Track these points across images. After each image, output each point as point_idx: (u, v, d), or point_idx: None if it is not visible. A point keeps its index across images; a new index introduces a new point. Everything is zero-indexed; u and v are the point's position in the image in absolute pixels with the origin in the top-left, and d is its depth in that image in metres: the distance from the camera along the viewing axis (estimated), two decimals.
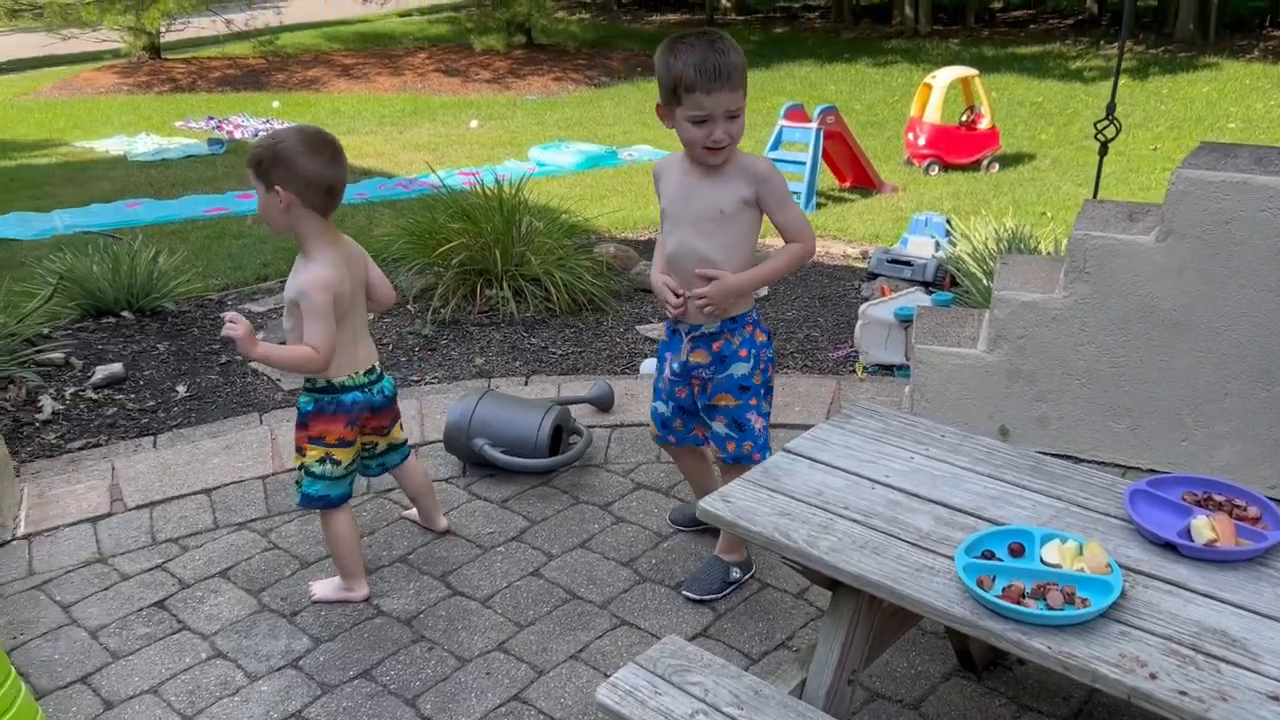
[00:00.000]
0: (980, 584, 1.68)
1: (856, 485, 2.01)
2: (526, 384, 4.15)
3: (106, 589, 2.81)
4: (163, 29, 15.65)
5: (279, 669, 2.48)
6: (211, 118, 11.96)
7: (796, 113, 8.35)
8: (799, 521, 1.90)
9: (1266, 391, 2.89)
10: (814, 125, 8.10)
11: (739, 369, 2.58)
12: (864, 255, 6.47)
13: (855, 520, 1.90)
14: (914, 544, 1.83)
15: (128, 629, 2.64)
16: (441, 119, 12.03)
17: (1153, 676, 1.50)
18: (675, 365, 2.66)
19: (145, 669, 2.49)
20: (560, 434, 3.35)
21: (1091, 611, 1.60)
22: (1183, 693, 1.47)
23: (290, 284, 2.51)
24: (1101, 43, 15.30)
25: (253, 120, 11.81)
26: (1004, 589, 1.67)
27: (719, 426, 2.64)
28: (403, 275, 5.27)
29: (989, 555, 1.76)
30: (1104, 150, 3.36)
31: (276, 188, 2.42)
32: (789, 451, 2.15)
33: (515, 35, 15.53)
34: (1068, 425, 3.20)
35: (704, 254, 2.49)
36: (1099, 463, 3.18)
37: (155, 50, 15.90)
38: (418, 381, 4.37)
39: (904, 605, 1.71)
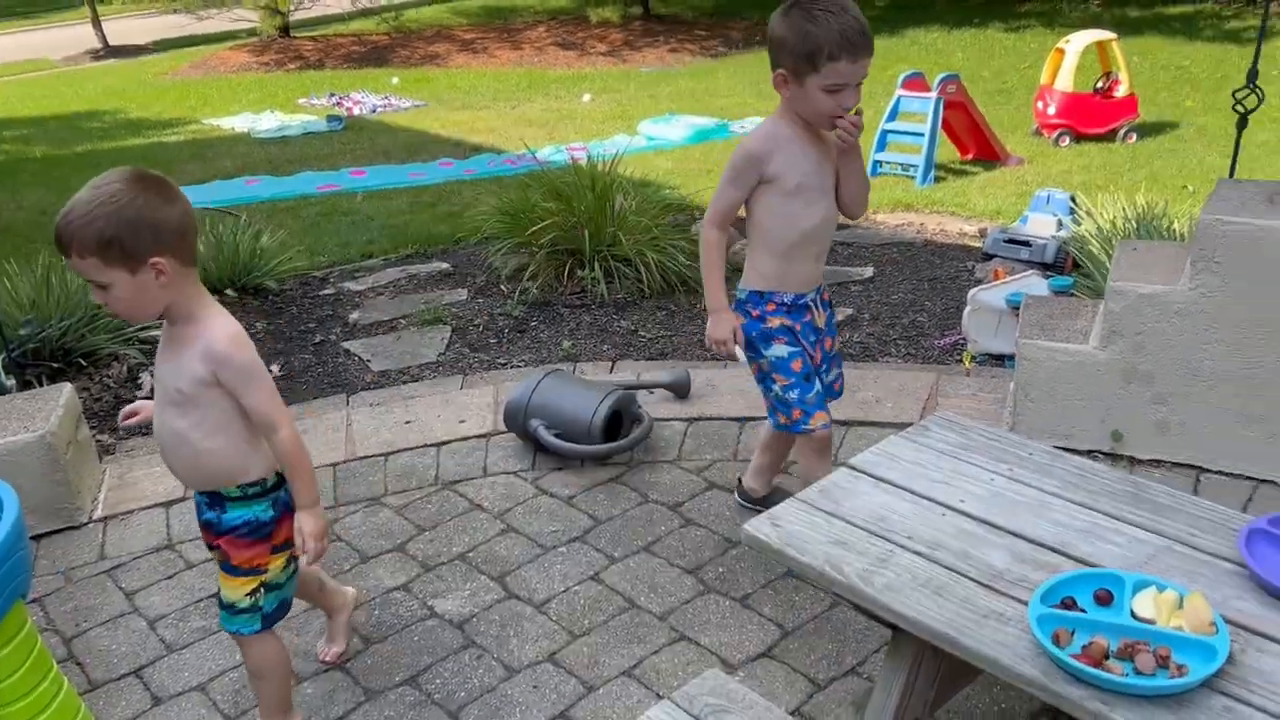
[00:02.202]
0: (1056, 639, 1.45)
1: (925, 510, 1.80)
2: (612, 369, 4.02)
3: (170, 577, 2.81)
4: (293, 7, 16.07)
5: (326, 671, 2.42)
6: (333, 94, 12.20)
7: (915, 81, 7.94)
8: (855, 552, 1.70)
9: None
10: (933, 94, 7.68)
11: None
12: (982, 234, 6.09)
13: (919, 553, 1.69)
14: (984, 584, 1.61)
15: (185, 620, 2.63)
16: (555, 93, 11.97)
17: None
18: (812, 336, 2.57)
19: (196, 664, 2.47)
20: (620, 420, 3.20)
21: (1188, 682, 1.36)
22: None
23: (188, 360, 1.91)
24: None
25: (371, 96, 11.99)
26: (1084, 646, 1.44)
27: (830, 375, 2.66)
28: (496, 255, 5.21)
29: (1070, 603, 1.52)
30: (1243, 122, 2.99)
31: (153, 260, 1.83)
32: (852, 468, 1.94)
33: (632, 6, 15.33)
34: (1190, 432, 2.86)
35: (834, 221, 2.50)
36: (1226, 474, 2.84)
37: (285, 29, 16.35)
38: (505, 365, 4.29)
39: (965, 658, 1.50)
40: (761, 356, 2.53)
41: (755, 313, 2.51)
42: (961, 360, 4.14)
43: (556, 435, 3.13)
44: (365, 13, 17.62)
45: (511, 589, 2.67)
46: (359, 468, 3.25)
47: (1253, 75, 2.90)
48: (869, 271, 5.36)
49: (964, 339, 4.25)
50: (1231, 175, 3.07)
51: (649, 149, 9.07)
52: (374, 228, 6.60)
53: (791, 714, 2.18)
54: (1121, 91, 8.62)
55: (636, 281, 4.93)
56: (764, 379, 2.57)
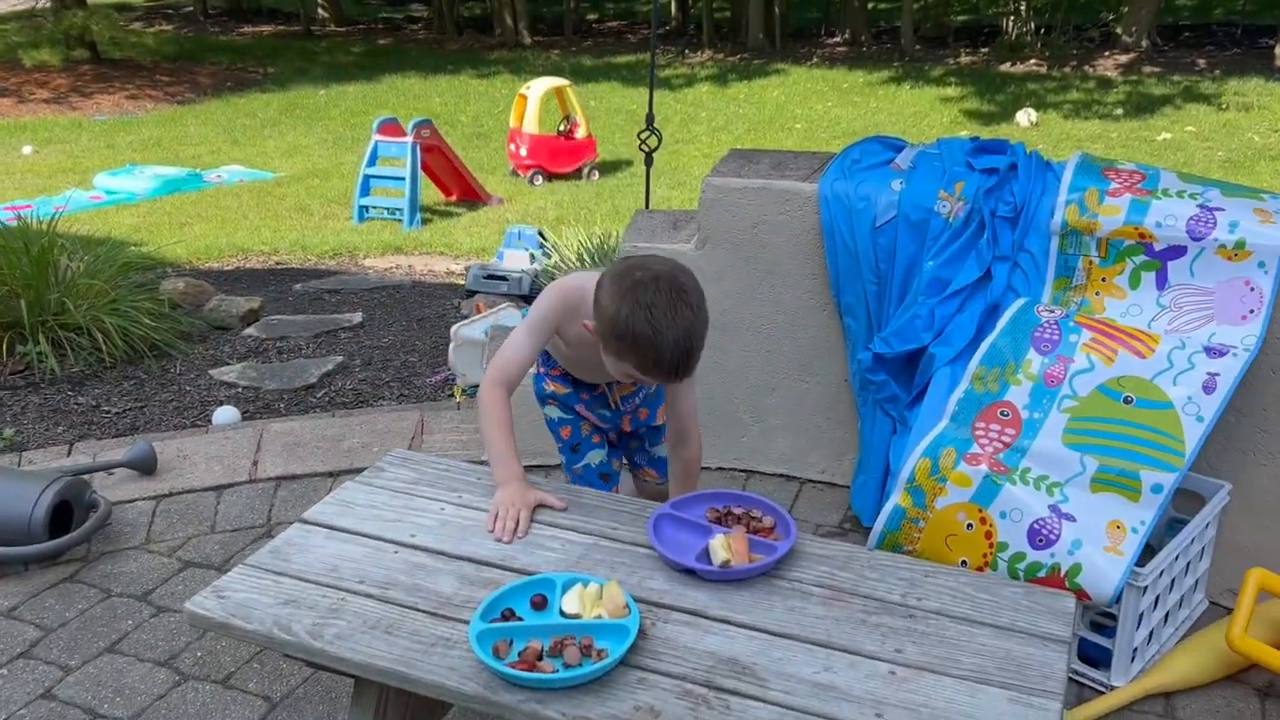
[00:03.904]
0: (496, 651, 1.53)
1: (378, 552, 1.80)
2: (69, 453, 3.56)
3: None
4: None
5: None
6: None
7: (390, 127, 8.08)
8: (305, 608, 1.66)
9: (805, 383, 3.05)
10: (409, 139, 7.87)
11: None
12: (467, 271, 6.33)
13: (370, 595, 1.69)
14: (432, 613, 1.65)
15: None
16: None
17: None
18: (604, 410, 2.37)
19: None
20: (70, 510, 2.85)
21: (605, 665, 1.50)
22: None
23: None
24: (685, 51, 16.39)
25: None
26: (520, 653, 1.53)
27: (661, 450, 2.42)
28: None
29: (509, 614, 1.62)
30: (649, 160, 3.42)
31: None
32: (306, 522, 1.90)
33: (76, 49, 13.84)
34: None
35: None
36: None
37: None
38: None
39: (415, 690, 1.53)
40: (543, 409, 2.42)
41: (541, 370, 2.38)
42: (453, 394, 4.26)
43: None
44: None
45: None
46: None
47: (649, 119, 3.33)
48: (358, 317, 5.33)
49: (453, 374, 4.37)
50: (647, 206, 3.49)
51: (109, 204, 8.26)
52: None
53: None
54: (581, 133, 9.48)
55: (95, 351, 4.43)
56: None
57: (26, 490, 2.77)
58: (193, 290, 5.34)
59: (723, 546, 1.72)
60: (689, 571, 1.73)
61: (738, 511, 1.89)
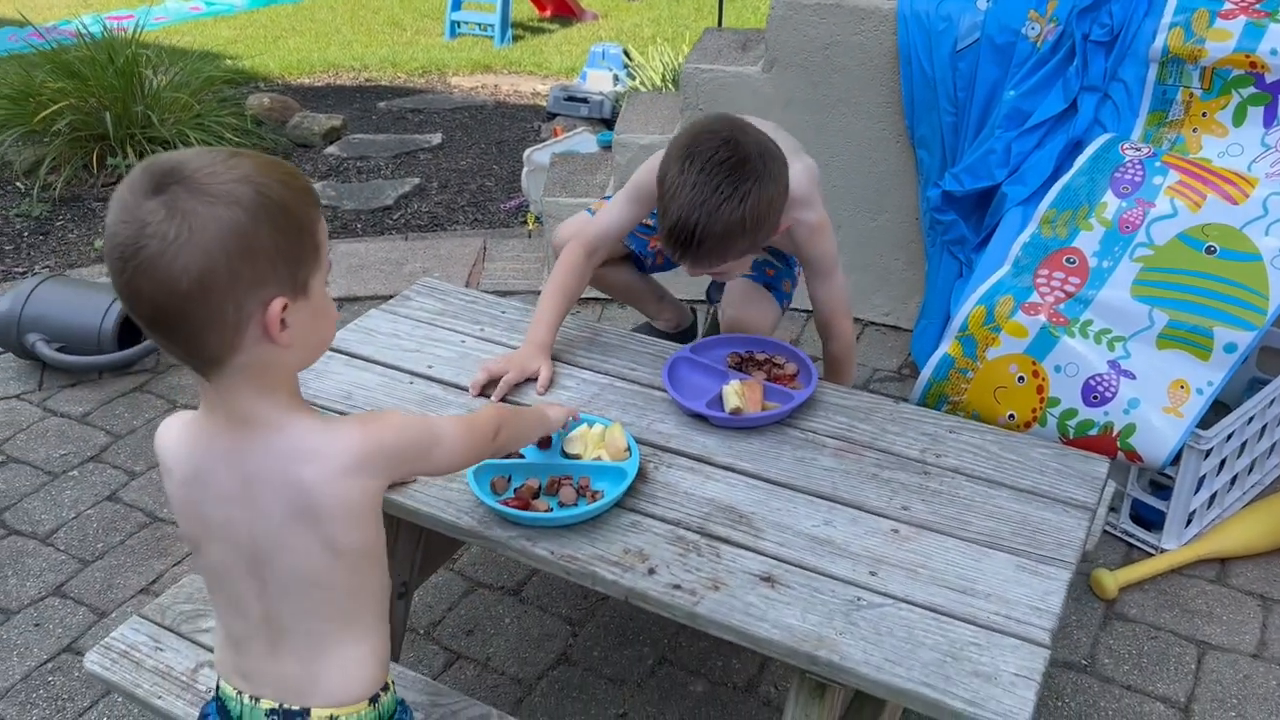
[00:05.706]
0: (494, 487, 1.52)
1: (393, 381, 1.80)
2: None
3: None
4: None
5: None
6: None
7: None
8: None
9: (874, 221, 2.88)
10: None
11: None
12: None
13: None
14: None
15: None
16: None
17: (651, 571, 1.40)
18: None
19: None
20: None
21: (599, 506, 1.47)
22: (676, 586, 1.38)
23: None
24: None
25: None
26: (517, 490, 1.52)
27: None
28: (4, 147, 4.53)
29: (514, 452, 1.60)
30: None
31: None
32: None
33: None
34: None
35: None
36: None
37: None
38: (25, 273, 3.80)
39: (412, 520, 1.54)
40: None
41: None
42: (525, 222, 4.21)
43: (60, 349, 2.82)
44: None
45: (11, 525, 2.41)
46: None
47: None
48: (438, 138, 5.27)
49: (527, 200, 4.31)
50: (719, 24, 3.27)
51: (207, 15, 8.24)
52: None
53: None
54: None
55: None
56: None
57: (97, 301, 2.86)
58: (277, 106, 5.34)
59: (735, 393, 1.66)
60: (700, 417, 1.68)
61: (759, 357, 1.81)
